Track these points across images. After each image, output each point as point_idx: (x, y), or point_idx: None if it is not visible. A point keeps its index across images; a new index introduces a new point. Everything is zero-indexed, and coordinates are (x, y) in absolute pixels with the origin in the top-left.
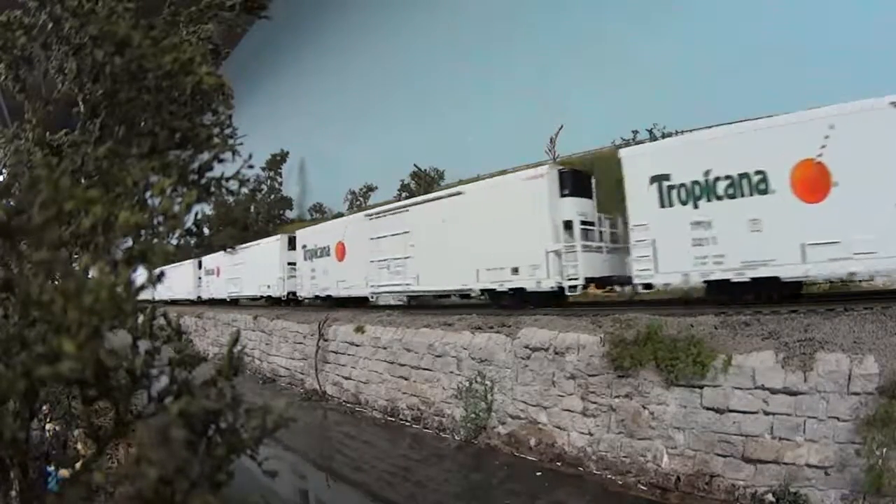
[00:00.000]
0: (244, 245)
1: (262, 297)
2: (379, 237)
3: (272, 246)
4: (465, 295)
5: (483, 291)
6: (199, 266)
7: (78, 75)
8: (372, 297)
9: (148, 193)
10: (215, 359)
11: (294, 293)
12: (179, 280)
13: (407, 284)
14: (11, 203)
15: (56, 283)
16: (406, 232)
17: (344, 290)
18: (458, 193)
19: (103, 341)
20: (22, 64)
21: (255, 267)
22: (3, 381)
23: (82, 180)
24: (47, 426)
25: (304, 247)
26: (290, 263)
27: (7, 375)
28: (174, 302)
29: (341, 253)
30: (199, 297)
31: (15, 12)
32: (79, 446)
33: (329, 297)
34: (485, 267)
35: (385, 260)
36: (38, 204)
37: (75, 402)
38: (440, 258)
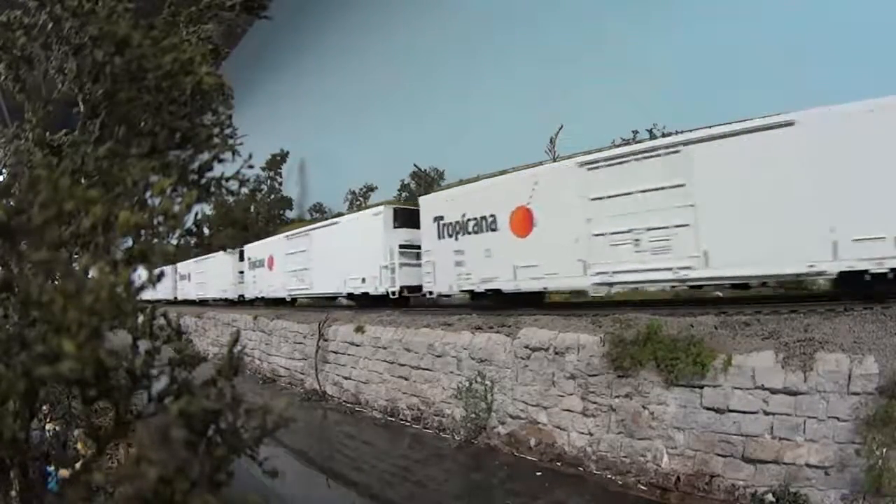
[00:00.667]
0: (309, 227)
1: (349, 294)
2: (610, 196)
3: (368, 224)
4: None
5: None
6: (241, 257)
7: (78, 75)
8: (594, 290)
9: (148, 193)
10: (215, 359)
11: (413, 288)
12: (213, 276)
13: (683, 268)
14: (11, 203)
15: (56, 283)
16: (678, 185)
17: (531, 281)
18: (788, 124)
19: (103, 341)
20: (22, 64)
21: (333, 255)
22: (3, 381)
23: (82, 180)
24: (47, 426)
25: (438, 219)
26: (402, 246)
27: (7, 375)
28: (203, 302)
29: (524, 224)
30: (240, 296)
31: (15, 12)
32: (79, 446)
33: (497, 291)
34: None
35: (626, 232)
36: (38, 204)
37: (75, 402)
38: (759, 224)
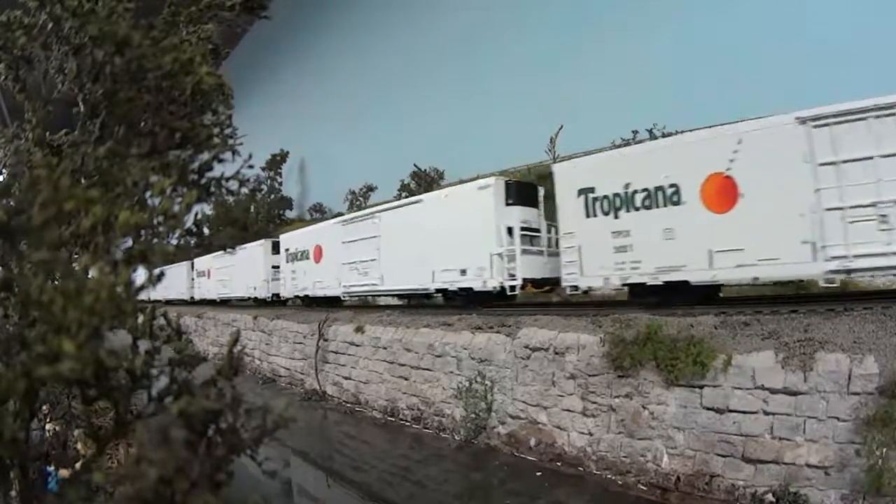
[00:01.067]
0: (378, 208)
1: (439, 290)
2: (847, 160)
3: (471, 201)
4: None
5: None
6: (275, 249)
7: (78, 75)
8: (827, 280)
9: (148, 193)
10: (215, 359)
11: (538, 281)
12: (239, 272)
13: None
14: (11, 203)
15: (56, 283)
16: None
17: (735, 269)
18: None
19: (103, 341)
20: (22, 64)
21: (415, 242)
22: (3, 381)
23: (82, 180)
24: (47, 426)
25: (585, 192)
26: (525, 229)
27: (7, 375)
28: (225, 302)
29: (723, 196)
30: (274, 295)
31: (15, 12)
32: (79, 446)
33: (679, 284)
34: None
35: (868, 206)
36: (38, 204)
37: (75, 402)
38: None
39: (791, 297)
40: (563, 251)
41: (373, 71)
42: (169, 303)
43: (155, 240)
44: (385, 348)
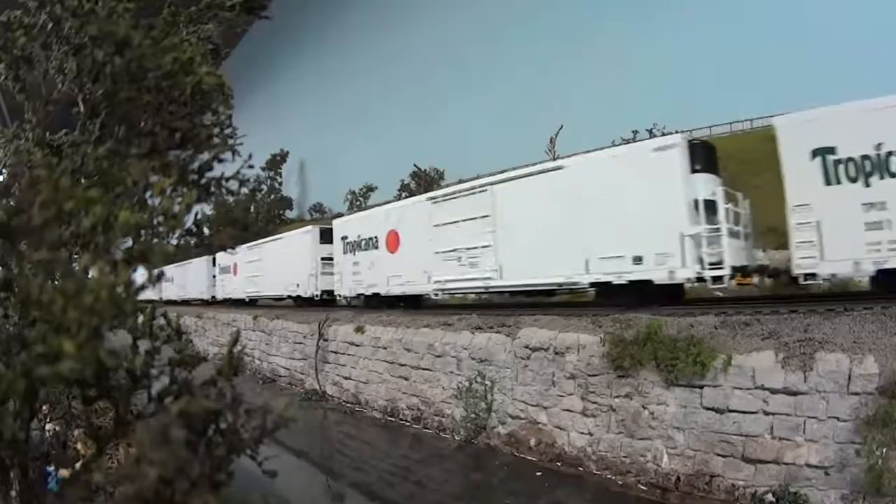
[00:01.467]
0: (489, 180)
1: (596, 284)
2: None
3: (637, 166)
4: None
5: None
6: (324, 238)
7: (78, 75)
8: None
9: (148, 193)
10: (215, 359)
11: (742, 270)
12: (274, 266)
13: None
14: (11, 203)
15: (56, 283)
16: None
17: None
18: None
19: (103, 341)
20: (22, 64)
21: (550, 222)
22: (3, 381)
23: (82, 180)
24: (47, 426)
25: (822, 154)
26: (707, 203)
27: (7, 375)
28: (252, 302)
29: None
30: (324, 292)
31: (15, 12)
32: (79, 446)
33: None
34: None
35: None
36: (38, 204)
37: (75, 402)
38: None
39: (791, 297)
40: (795, 229)
41: (373, 71)
42: (185, 303)
43: (155, 240)
44: (385, 348)
